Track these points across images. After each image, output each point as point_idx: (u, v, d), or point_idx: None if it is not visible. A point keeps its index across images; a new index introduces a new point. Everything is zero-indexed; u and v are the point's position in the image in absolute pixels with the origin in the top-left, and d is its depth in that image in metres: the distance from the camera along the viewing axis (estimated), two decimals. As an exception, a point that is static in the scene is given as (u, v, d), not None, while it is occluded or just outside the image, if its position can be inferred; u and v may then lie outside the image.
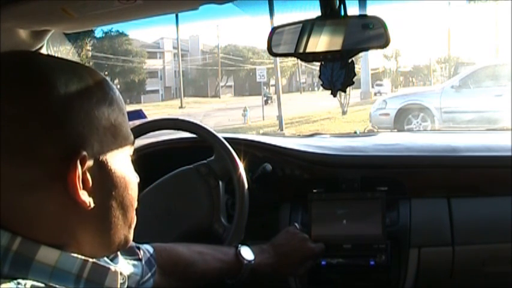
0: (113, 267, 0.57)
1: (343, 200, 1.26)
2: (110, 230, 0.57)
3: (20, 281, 0.48)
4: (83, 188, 0.52)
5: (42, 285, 0.49)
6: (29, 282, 0.48)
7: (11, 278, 0.48)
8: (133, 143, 0.61)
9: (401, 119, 9.09)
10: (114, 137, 0.57)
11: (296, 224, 1.22)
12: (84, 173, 0.52)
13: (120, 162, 0.58)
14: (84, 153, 0.52)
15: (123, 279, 0.60)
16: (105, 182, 0.55)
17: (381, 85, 24.30)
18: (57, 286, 0.51)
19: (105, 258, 0.63)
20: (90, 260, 0.55)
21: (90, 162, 0.53)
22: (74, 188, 0.52)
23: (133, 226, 0.61)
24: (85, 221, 0.54)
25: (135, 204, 0.61)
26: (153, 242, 0.93)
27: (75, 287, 0.53)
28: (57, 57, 0.60)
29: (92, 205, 0.53)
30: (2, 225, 0.51)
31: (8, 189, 0.51)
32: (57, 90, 0.52)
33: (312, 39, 0.95)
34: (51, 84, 0.52)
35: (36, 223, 0.52)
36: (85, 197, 0.53)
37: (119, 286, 0.57)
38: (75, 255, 0.53)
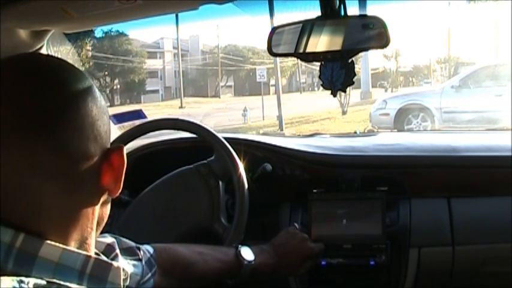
0: (115, 263, 0.57)
1: (343, 200, 1.26)
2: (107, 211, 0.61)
3: (22, 279, 0.48)
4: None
5: (45, 282, 0.49)
6: (32, 281, 0.48)
7: (14, 274, 0.48)
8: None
9: (401, 119, 9.08)
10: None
11: (296, 224, 1.22)
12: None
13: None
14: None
15: (125, 275, 0.60)
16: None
17: (429, 82, 25.48)
18: (60, 282, 0.51)
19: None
20: (93, 256, 0.55)
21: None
22: (108, 182, 0.56)
23: None
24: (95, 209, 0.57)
25: None
26: (153, 242, 0.93)
27: (78, 282, 0.53)
28: (56, 58, 0.60)
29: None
30: (4, 221, 0.51)
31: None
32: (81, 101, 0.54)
33: (312, 39, 0.95)
34: (63, 91, 0.53)
35: (64, 223, 0.54)
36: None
37: (121, 281, 0.57)
38: (78, 250, 0.54)
